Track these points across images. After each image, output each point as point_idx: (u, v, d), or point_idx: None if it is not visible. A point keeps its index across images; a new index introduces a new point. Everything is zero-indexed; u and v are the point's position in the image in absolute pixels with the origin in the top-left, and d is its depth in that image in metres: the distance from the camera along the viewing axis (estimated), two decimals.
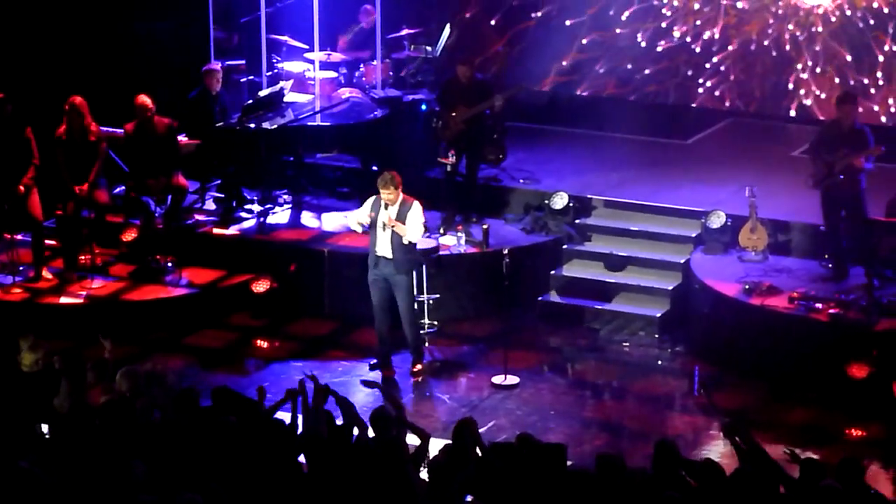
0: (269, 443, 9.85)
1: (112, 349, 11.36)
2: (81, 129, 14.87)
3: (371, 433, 10.05)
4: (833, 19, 17.83)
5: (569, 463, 9.72)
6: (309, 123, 16.52)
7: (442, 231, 15.54)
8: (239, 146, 16.09)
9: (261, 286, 15.14)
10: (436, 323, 14.67)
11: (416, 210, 13.43)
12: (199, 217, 16.13)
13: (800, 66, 18.03)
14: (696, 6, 18.45)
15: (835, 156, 14.00)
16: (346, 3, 18.09)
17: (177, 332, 14.75)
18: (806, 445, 12.14)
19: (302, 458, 10.08)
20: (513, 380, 13.75)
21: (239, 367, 14.25)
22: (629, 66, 18.78)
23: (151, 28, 17.78)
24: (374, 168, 15.83)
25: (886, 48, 17.57)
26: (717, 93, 18.55)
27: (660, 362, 14.42)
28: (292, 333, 15.00)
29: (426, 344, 14.33)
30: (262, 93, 16.64)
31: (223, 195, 16.36)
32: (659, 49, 18.62)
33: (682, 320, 14.87)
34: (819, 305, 13.75)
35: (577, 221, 15.84)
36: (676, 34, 18.55)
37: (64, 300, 14.76)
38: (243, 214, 16.19)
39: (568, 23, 18.80)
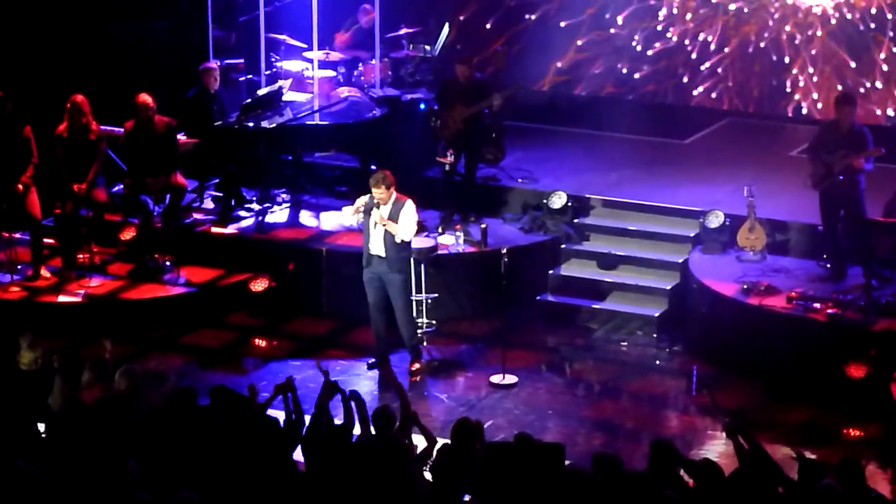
0: (263, 441, 9.86)
1: (112, 349, 11.37)
2: (82, 127, 14.87)
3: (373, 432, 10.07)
4: (832, 20, 17.84)
5: (567, 462, 9.72)
6: (307, 122, 16.52)
7: (440, 230, 15.54)
8: (237, 145, 16.09)
9: (259, 285, 15.14)
10: (434, 322, 14.67)
11: (409, 209, 13.42)
12: (197, 216, 16.13)
13: (798, 67, 18.04)
14: (694, 6, 18.46)
15: (833, 156, 14.00)
16: (345, 2, 18.09)
17: (175, 331, 14.74)
18: (804, 445, 12.14)
19: (299, 457, 10.11)
20: (511, 379, 13.75)
21: (237, 367, 14.25)
22: (627, 66, 18.80)
23: (150, 27, 17.78)
24: (373, 167, 15.82)
25: (885, 49, 17.58)
26: (714, 93, 18.57)
27: (657, 362, 14.42)
28: (290, 332, 15.00)
29: (424, 343, 14.32)
30: (261, 92, 16.63)
31: (222, 194, 16.35)
32: (657, 49, 18.64)
33: (680, 320, 14.87)
34: (817, 305, 13.75)
35: (575, 221, 15.85)
36: (675, 34, 18.55)
37: (62, 299, 14.76)
38: (242, 213, 16.19)
39: (563, 24, 18.83)
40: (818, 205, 14.36)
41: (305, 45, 17.54)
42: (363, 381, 13.81)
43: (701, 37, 18.51)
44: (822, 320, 13.64)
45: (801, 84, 18.11)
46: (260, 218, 16.07)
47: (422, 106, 17.00)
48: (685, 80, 18.67)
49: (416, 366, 13.91)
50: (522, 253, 15.27)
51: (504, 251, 14.35)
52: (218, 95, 16.15)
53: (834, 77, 17.92)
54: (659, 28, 18.63)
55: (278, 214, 16.26)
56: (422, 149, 16.48)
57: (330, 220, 16.04)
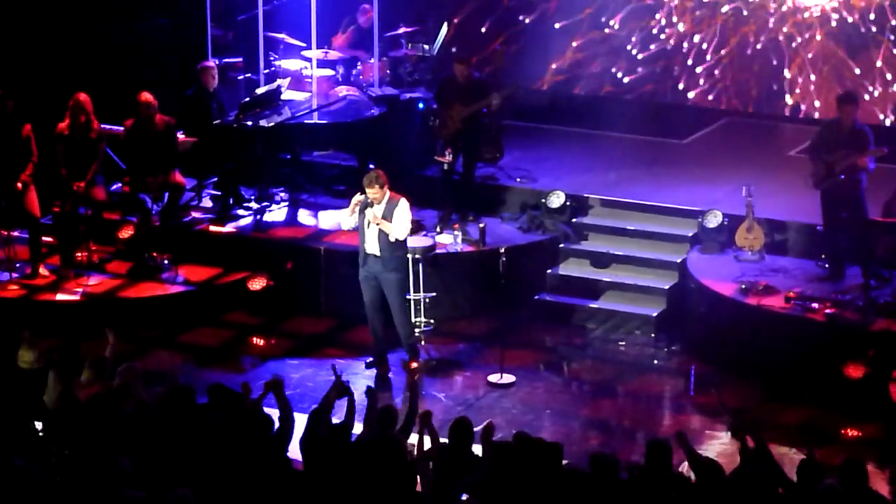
0: (258, 438, 9.87)
1: (115, 342, 11.39)
2: (84, 125, 14.87)
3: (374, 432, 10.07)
4: (831, 21, 17.84)
5: (564, 462, 9.71)
6: (306, 121, 16.52)
7: (438, 229, 15.54)
8: (236, 144, 16.09)
9: (257, 284, 15.14)
10: (432, 321, 14.67)
11: (403, 207, 13.41)
12: (195, 214, 16.12)
13: (797, 67, 18.04)
14: (693, 6, 18.46)
15: (834, 156, 13.99)
16: (343, 1, 18.09)
17: (173, 330, 14.74)
18: (802, 445, 12.15)
19: (296, 456, 10.12)
20: (509, 378, 13.75)
21: (235, 365, 14.25)
22: (626, 66, 18.80)
23: (149, 26, 17.77)
24: (371, 166, 15.82)
25: (883, 52, 17.58)
26: (713, 93, 18.57)
27: (655, 362, 14.42)
28: (288, 331, 14.99)
29: (421, 342, 14.32)
30: (260, 90, 16.63)
31: (220, 193, 16.35)
32: (656, 49, 18.64)
33: (679, 320, 14.87)
34: (815, 305, 13.75)
35: (573, 220, 15.85)
36: (673, 34, 18.55)
37: (60, 297, 14.75)
38: (240, 212, 16.19)
39: (557, 25, 18.83)
40: (819, 205, 14.35)
41: (304, 44, 17.54)
42: (361, 379, 13.80)
43: (699, 37, 18.50)
44: (820, 320, 13.64)
45: (800, 84, 18.10)
46: (258, 217, 16.07)
47: (420, 105, 16.99)
48: (684, 79, 18.66)
49: (414, 365, 13.91)
50: (521, 252, 15.27)
51: (502, 250, 14.35)
52: (216, 94, 16.14)
53: (832, 77, 17.91)
54: (657, 28, 18.62)
55: (276, 213, 16.26)
56: (420, 148, 16.49)
57: (328, 219, 16.04)
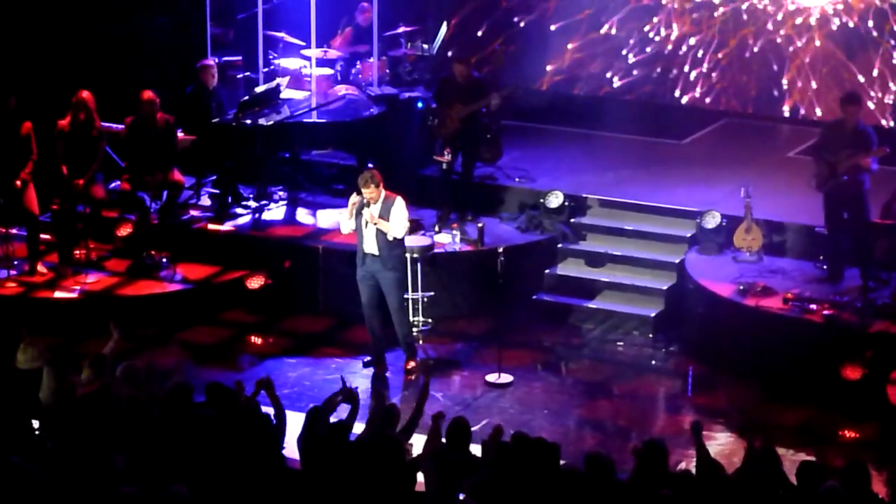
0: (253, 436, 9.88)
1: (119, 339, 11.40)
2: (85, 123, 14.86)
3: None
4: (830, 21, 17.85)
5: (562, 462, 9.71)
6: (305, 120, 16.51)
7: (437, 229, 15.54)
8: (235, 142, 16.08)
9: (255, 282, 15.14)
10: (430, 321, 14.66)
11: (399, 206, 13.40)
12: (194, 213, 16.12)
13: (796, 68, 18.05)
14: (692, 7, 18.47)
15: (837, 157, 13.98)
16: (343, 0, 18.09)
17: (170, 328, 14.74)
18: (800, 446, 12.17)
19: (292, 454, 10.12)
20: (506, 378, 13.75)
21: (232, 364, 14.24)
22: (625, 66, 18.81)
23: (149, 24, 17.78)
24: (370, 165, 15.82)
25: (881, 56, 17.59)
26: (712, 94, 18.58)
27: (653, 362, 14.42)
28: (286, 330, 14.99)
29: (419, 341, 14.31)
30: (259, 89, 16.63)
31: (219, 191, 16.34)
32: (655, 49, 18.65)
33: (677, 320, 14.86)
34: (813, 307, 13.75)
35: (572, 220, 15.85)
36: (672, 35, 18.56)
37: (58, 294, 14.75)
38: (239, 210, 16.19)
39: (560, 24, 18.84)
40: (817, 206, 14.34)
41: (303, 43, 17.53)
42: (359, 378, 13.80)
43: (699, 38, 18.51)
44: (818, 321, 13.64)
45: (799, 85, 18.11)
46: (257, 215, 16.07)
47: (419, 104, 17.00)
48: (682, 80, 18.66)
49: (412, 364, 13.90)
50: (519, 252, 15.26)
51: (500, 250, 14.32)
52: (216, 92, 16.14)
53: (831, 79, 17.92)
54: (656, 29, 18.63)
55: (275, 212, 16.26)
56: (419, 147, 16.49)
57: (326, 218, 16.04)
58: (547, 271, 15.48)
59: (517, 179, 16.54)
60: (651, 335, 14.78)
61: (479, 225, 15.37)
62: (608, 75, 18.87)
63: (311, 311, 15.28)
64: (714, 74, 18.51)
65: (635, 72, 18.76)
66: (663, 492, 8.98)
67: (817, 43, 17.90)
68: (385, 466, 9.47)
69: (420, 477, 9.79)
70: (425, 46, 18.29)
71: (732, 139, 18.03)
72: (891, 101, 17.59)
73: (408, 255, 14.06)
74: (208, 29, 17.21)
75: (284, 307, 15.23)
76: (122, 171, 15.48)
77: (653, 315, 14.87)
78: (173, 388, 10.46)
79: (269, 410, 10.37)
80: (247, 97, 16.35)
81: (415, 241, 14.42)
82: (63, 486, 8.90)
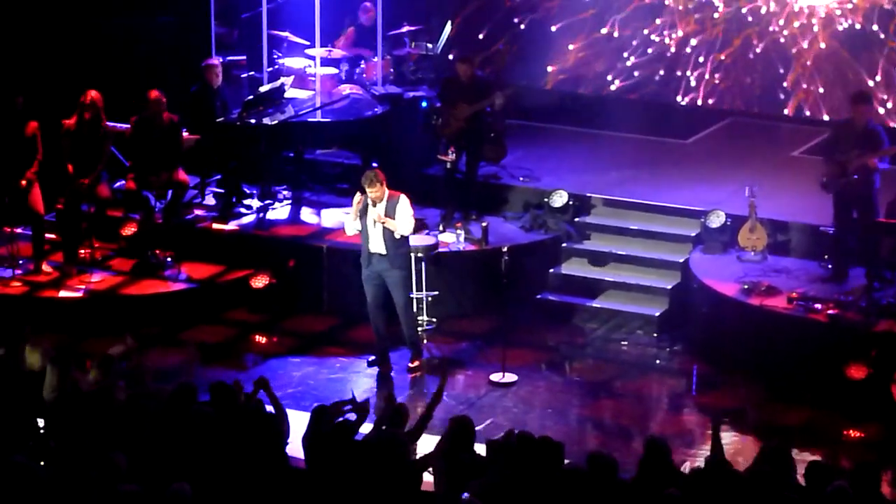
0: (257, 435, 9.89)
1: (131, 346, 11.43)
2: (93, 123, 14.87)
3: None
4: (835, 20, 17.84)
5: (566, 462, 9.71)
6: (309, 119, 16.52)
7: (441, 228, 15.55)
8: (239, 142, 16.09)
9: (259, 282, 15.15)
10: (434, 320, 14.66)
11: (404, 203, 13.41)
12: (198, 212, 16.13)
13: (800, 67, 18.04)
14: (696, 6, 18.47)
15: (847, 156, 13.96)
16: (347, 0, 18.10)
17: (175, 327, 14.75)
18: (804, 446, 12.16)
19: (296, 453, 10.13)
20: (510, 378, 13.75)
21: (237, 363, 14.24)
22: (629, 66, 18.80)
23: (153, 23, 17.78)
24: (374, 164, 15.82)
25: (888, 49, 17.59)
26: (717, 93, 18.57)
27: (658, 361, 14.42)
28: (290, 329, 14.99)
29: (424, 341, 14.31)
30: (263, 88, 16.63)
31: (223, 190, 16.35)
32: (659, 48, 18.65)
33: (681, 320, 14.86)
34: (818, 306, 13.75)
35: (576, 220, 15.85)
36: (677, 34, 18.56)
37: (63, 294, 14.76)
38: (243, 210, 16.20)
39: (557, 26, 18.85)
40: (821, 205, 14.33)
41: (308, 42, 17.54)
42: (363, 378, 13.82)
43: (703, 38, 18.50)
44: (822, 321, 13.63)
45: (804, 85, 18.10)
46: (261, 215, 16.08)
47: (424, 104, 17.00)
48: (687, 79, 18.66)
49: (416, 363, 13.91)
50: (523, 251, 15.26)
51: (505, 249, 14.33)
52: (220, 92, 16.15)
53: (836, 78, 17.91)
54: (661, 28, 18.62)
55: (279, 211, 16.27)
56: (423, 147, 16.49)
57: (331, 218, 16.05)
58: (551, 271, 15.48)
59: (521, 179, 16.54)
60: (655, 334, 14.77)
61: (484, 224, 15.38)
62: (612, 75, 18.86)
63: (316, 310, 15.28)
64: (718, 74, 18.50)
65: (638, 72, 18.75)
66: (669, 491, 8.98)
67: (822, 43, 17.88)
68: (390, 466, 9.46)
69: (426, 476, 9.79)
70: (429, 46, 18.30)
71: (737, 138, 18.02)
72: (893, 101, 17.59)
73: (412, 254, 14.06)
74: (212, 28, 17.21)
75: (288, 306, 15.24)
76: (126, 171, 15.50)
77: (657, 314, 14.86)
78: (177, 388, 10.47)
79: (270, 409, 10.37)
80: (251, 96, 16.35)
81: (419, 240, 14.42)
82: (65, 485, 8.91)
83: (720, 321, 14.37)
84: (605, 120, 18.07)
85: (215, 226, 15.89)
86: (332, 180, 16.92)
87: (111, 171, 15.57)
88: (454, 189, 15.86)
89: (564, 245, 15.67)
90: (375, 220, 13.32)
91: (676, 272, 15.15)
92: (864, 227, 14.10)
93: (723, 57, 18.41)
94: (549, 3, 19.03)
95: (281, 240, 15.70)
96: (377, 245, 13.43)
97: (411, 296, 14.06)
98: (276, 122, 16.08)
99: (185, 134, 15.66)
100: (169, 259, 15.22)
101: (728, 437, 12.49)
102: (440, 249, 14.96)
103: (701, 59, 18.51)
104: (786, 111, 18.25)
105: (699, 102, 18.65)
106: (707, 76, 18.55)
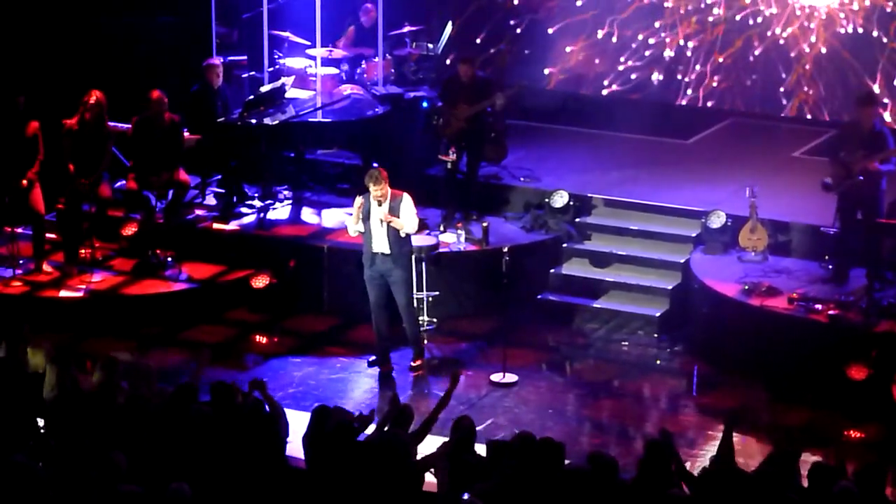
0: (254, 435, 9.90)
1: (136, 356, 11.46)
2: (96, 123, 14.87)
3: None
4: (836, 21, 17.83)
5: (566, 462, 9.71)
6: (310, 119, 16.51)
7: (442, 228, 15.55)
8: (240, 142, 16.09)
9: (260, 282, 15.15)
10: (434, 320, 14.66)
11: (408, 201, 13.43)
12: (199, 212, 16.14)
13: (802, 68, 18.04)
14: (697, 6, 18.47)
15: (853, 157, 13.96)
16: (348, 0, 18.10)
17: (175, 327, 14.75)
18: (804, 447, 12.14)
19: (296, 453, 10.13)
20: (511, 378, 13.75)
21: (237, 363, 14.23)
22: (630, 66, 18.80)
23: (153, 23, 17.79)
24: (375, 165, 15.82)
25: (889, 51, 17.59)
26: (718, 93, 18.57)
27: (658, 362, 14.42)
28: (291, 329, 15.00)
29: (425, 341, 14.31)
30: (264, 88, 16.63)
31: (224, 190, 16.36)
32: (660, 49, 18.65)
33: (682, 320, 14.87)
34: (818, 306, 13.75)
35: (577, 220, 15.85)
36: (678, 35, 18.56)
37: (63, 294, 14.76)
38: (243, 210, 16.20)
39: (557, 27, 18.86)
40: (830, 205, 14.32)
41: (308, 43, 17.53)
42: (364, 378, 13.82)
43: (705, 38, 18.50)
44: (823, 321, 13.63)
45: (805, 85, 18.10)
46: (262, 215, 16.07)
47: (424, 104, 16.99)
48: (688, 80, 18.67)
49: (419, 362, 13.91)
50: (524, 252, 15.26)
51: (505, 250, 14.34)
52: (221, 92, 16.15)
53: (837, 79, 17.91)
54: (662, 29, 18.62)
55: (280, 211, 16.27)
56: (424, 147, 16.50)
57: (331, 218, 16.05)
58: (552, 271, 15.48)
59: (522, 179, 16.54)
60: (656, 335, 14.77)
61: (484, 224, 15.38)
62: (612, 76, 18.87)
63: (316, 310, 15.28)
64: (719, 75, 18.50)
65: (639, 73, 18.75)
66: (673, 491, 8.98)
67: (823, 44, 17.88)
68: (391, 466, 9.46)
69: (429, 477, 9.78)
70: (430, 46, 18.30)
71: (738, 139, 18.02)
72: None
73: (413, 254, 14.05)
74: (213, 28, 17.21)
75: (289, 306, 15.24)
76: (127, 171, 15.50)
77: (658, 315, 14.86)
78: (178, 388, 10.47)
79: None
80: (252, 96, 16.35)
81: (420, 240, 14.42)
82: (65, 484, 8.91)
83: (721, 322, 14.37)
84: (606, 120, 18.07)
85: (216, 226, 15.90)
86: (332, 180, 16.92)
87: (112, 170, 15.57)
88: (455, 189, 15.86)
89: (565, 245, 15.67)
90: (382, 219, 13.32)
91: (677, 273, 15.15)
92: (869, 227, 14.09)
93: (721, 60, 18.40)
94: (549, 4, 19.03)
95: (282, 240, 15.70)
96: (381, 245, 13.44)
97: (413, 296, 14.05)
98: (276, 122, 16.07)
99: (185, 134, 15.67)
100: (170, 259, 15.23)
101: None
102: (441, 250, 14.96)
103: (702, 60, 18.51)
104: (786, 112, 18.24)
105: (700, 103, 18.64)
106: (707, 77, 18.54)
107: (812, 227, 14.97)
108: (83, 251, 15.22)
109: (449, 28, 18.46)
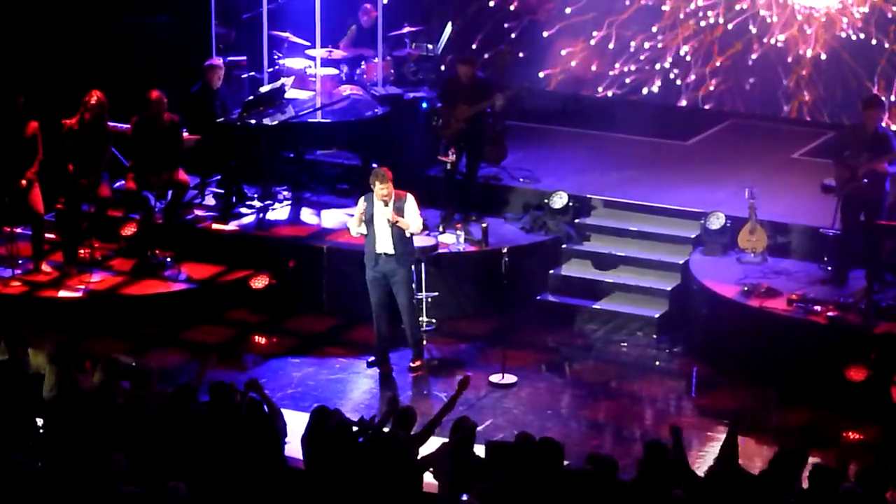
0: (252, 435, 9.90)
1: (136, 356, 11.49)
2: (96, 123, 14.86)
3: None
4: (835, 23, 17.84)
5: (566, 462, 9.71)
6: (309, 120, 16.51)
7: (441, 229, 15.54)
8: (239, 142, 16.09)
9: (259, 282, 15.14)
10: (434, 321, 14.66)
11: (412, 202, 13.45)
12: (198, 212, 16.13)
13: (801, 69, 18.04)
14: (697, 8, 18.47)
15: (858, 160, 13.95)
16: (348, 0, 18.09)
17: (175, 328, 14.74)
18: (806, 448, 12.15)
19: (294, 453, 10.14)
20: (510, 379, 13.74)
21: (237, 363, 14.23)
22: (630, 67, 18.80)
23: (152, 23, 17.78)
24: (374, 165, 15.82)
25: (889, 53, 17.60)
26: (717, 95, 18.57)
27: (657, 363, 14.42)
28: (290, 330, 14.99)
29: (424, 342, 14.30)
30: (263, 89, 16.63)
31: (223, 191, 16.35)
32: (660, 50, 18.65)
33: (681, 321, 14.87)
34: (818, 308, 13.75)
35: (576, 221, 15.85)
36: (678, 36, 18.56)
37: (63, 294, 14.75)
38: (243, 210, 16.20)
39: (557, 29, 18.87)
40: (833, 207, 14.31)
41: (308, 43, 17.53)
42: (362, 378, 13.82)
43: (704, 39, 18.50)
44: (822, 323, 13.63)
45: (804, 87, 18.10)
46: (261, 215, 16.07)
47: (424, 105, 16.99)
48: (688, 81, 18.67)
49: (418, 363, 13.90)
50: (523, 252, 15.26)
51: (505, 251, 14.34)
52: (220, 92, 16.15)
53: (836, 81, 17.91)
54: (662, 30, 18.62)
55: (279, 212, 16.27)
56: (423, 147, 16.49)
57: (331, 218, 16.05)
58: (551, 272, 15.48)
59: (521, 180, 16.54)
60: (655, 336, 14.77)
61: (484, 225, 15.38)
62: (612, 77, 18.86)
63: (316, 310, 15.28)
64: (719, 76, 18.50)
65: (639, 74, 18.75)
66: (675, 492, 8.99)
67: (822, 47, 17.88)
68: (390, 467, 9.46)
69: (428, 477, 9.79)
70: (430, 47, 18.29)
71: (737, 140, 18.02)
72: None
73: (415, 254, 14.05)
74: (213, 29, 17.21)
75: (288, 307, 15.23)
76: (127, 171, 15.49)
77: (657, 316, 14.87)
78: (177, 388, 10.48)
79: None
80: (251, 97, 16.35)
81: (419, 241, 14.41)
82: (65, 484, 8.91)
83: (720, 323, 14.37)
84: (606, 121, 18.07)
85: (215, 226, 15.89)
86: (332, 181, 16.92)
87: (111, 171, 15.57)
88: (454, 190, 15.86)
89: (564, 246, 15.67)
90: (389, 219, 13.32)
91: (676, 274, 15.15)
92: (871, 229, 14.09)
93: (718, 64, 18.40)
94: (549, 5, 19.03)
95: (281, 240, 15.70)
96: (385, 245, 13.43)
97: (415, 296, 14.05)
98: (276, 122, 16.08)
99: (185, 134, 15.66)
100: (169, 259, 15.22)
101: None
102: (440, 250, 14.96)
103: (702, 61, 18.51)
104: (786, 113, 18.24)
105: (699, 104, 18.64)
106: (707, 78, 18.54)
107: (811, 228, 14.97)
108: (82, 251, 15.22)
109: (448, 29, 18.46)
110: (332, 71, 17.53)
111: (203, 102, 16.02)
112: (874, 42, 17.64)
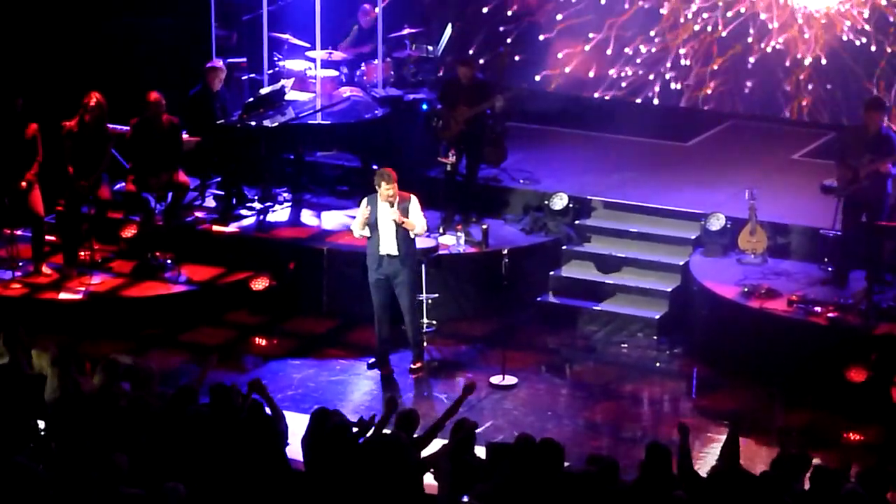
0: (253, 437, 9.90)
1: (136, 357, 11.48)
2: (96, 125, 14.86)
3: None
4: (836, 24, 17.84)
5: (565, 464, 9.71)
6: (310, 122, 16.52)
7: (441, 231, 15.55)
8: (239, 144, 16.09)
9: (259, 284, 15.14)
10: (434, 322, 14.66)
11: (416, 203, 13.47)
12: (198, 214, 16.13)
13: (801, 70, 18.05)
14: (698, 9, 18.48)
15: (860, 161, 13.96)
16: (348, 2, 18.09)
17: (175, 329, 14.74)
18: (808, 450, 12.14)
19: (295, 455, 10.13)
20: (511, 380, 13.74)
21: (237, 365, 14.23)
22: (630, 69, 18.81)
23: (152, 25, 17.78)
24: (374, 167, 15.82)
25: (888, 54, 17.61)
26: (717, 96, 18.57)
27: (658, 364, 14.42)
28: (290, 331, 14.99)
29: (424, 343, 14.30)
30: (263, 91, 16.63)
31: (223, 192, 16.36)
32: (660, 51, 18.66)
33: (681, 322, 14.87)
34: (818, 309, 13.75)
35: (576, 222, 15.85)
36: (678, 37, 18.56)
37: (63, 296, 14.75)
38: (243, 212, 16.20)
39: (557, 30, 18.88)
40: (834, 208, 14.31)
41: (308, 45, 17.53)
42: (363, 380, 13.82)
43: (705, 40, 18.51)
44: (822, 324, 13.64)
45: (804, 88, 18.10)
46: (261, 217, 16.07)
47: (424, 106, 16.99)
48: (687, 82, 18.67)
49: (419, 364, 13.90)
50: (523, 254, 15.26)
51: (505, 252, 14.34)
52: (220, 94, 16.15)
53: (837, 82, 17.91)
54: (662, 31, 18.62)
55: (279, 213, 16.27)
56: (423, 149, 16.49)
57: (331, 220, 16.05)
58: (551, 273, 15.48)
59: (521, 181, 16.54)
60: (655, 337, 14.77)
61: (484, 227, 15.38)
62: (612, 78, 18.86)
63: (316, 312, 15.28)
64: (719, 77, 18.50)
65: (639, 75, 18.75)
66: (677, 493, 8.98)
67: (822, 48, 17.88)
68: (390, 468, 9.46)
69: (429, 478, 9.78)
70: (430, 48, 18.30)
71: (737, 141, 18.03)
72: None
73: (418, 255, 14.05)
74: (213, 31, 17.21)
75: (289, 308, 15.23)
76: (126, 173, 15.49)
77: (657, 317, 14.87)
78: (178, 390, 10.48)
79: (269, 411, 10.36)
80: (251, 99, 16.36)
81: (419, 242, 14.40)
82: (66, 486, 8.91)
83: (720, 324, 14.37)
84: (606, 123, 18.07)
85: (215, 228, 15.89)
86: (332, 182, 16.92)
87: (111, 172, 15.56)
88: (454, 191, 15.86)
89: (564, 248, 15.67)
90: (395, 220, 13.32)
91: (677, 275, 15.16)
92: (867, 229, 14.09)
93: (716, 67, 18.40)
94: (549, 7, 19.03)
95: (281, 242, 15.69)
96: (389, 246, 13.43)
97: (416, 298, 14.05)
98: (276, 124, 16.08)
99: (185, 136, 15.66)
100: (169, 261, 15.22)
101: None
102: (440, 252, 14.96)
103: (702, 62, 18.51)
104: (786, 114, 18.24)
105: (699, 105, 18.65)
106: (707, 79, 18.55)
107: (811, 229, 14.97)
108: (82, 253, 15.22)
109: (448, 30, 18.46)
110: (332, 73, 17.54)
111: (203, 104, 16.02)
112: (873, 49, 17.62)
